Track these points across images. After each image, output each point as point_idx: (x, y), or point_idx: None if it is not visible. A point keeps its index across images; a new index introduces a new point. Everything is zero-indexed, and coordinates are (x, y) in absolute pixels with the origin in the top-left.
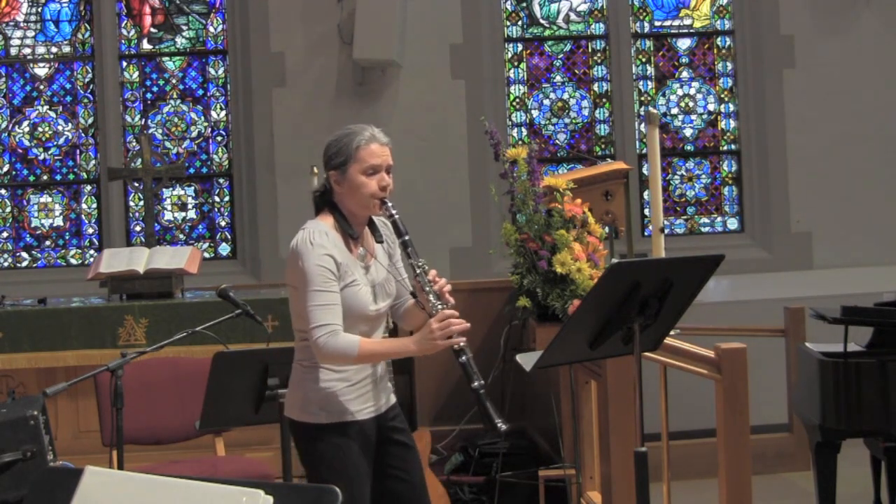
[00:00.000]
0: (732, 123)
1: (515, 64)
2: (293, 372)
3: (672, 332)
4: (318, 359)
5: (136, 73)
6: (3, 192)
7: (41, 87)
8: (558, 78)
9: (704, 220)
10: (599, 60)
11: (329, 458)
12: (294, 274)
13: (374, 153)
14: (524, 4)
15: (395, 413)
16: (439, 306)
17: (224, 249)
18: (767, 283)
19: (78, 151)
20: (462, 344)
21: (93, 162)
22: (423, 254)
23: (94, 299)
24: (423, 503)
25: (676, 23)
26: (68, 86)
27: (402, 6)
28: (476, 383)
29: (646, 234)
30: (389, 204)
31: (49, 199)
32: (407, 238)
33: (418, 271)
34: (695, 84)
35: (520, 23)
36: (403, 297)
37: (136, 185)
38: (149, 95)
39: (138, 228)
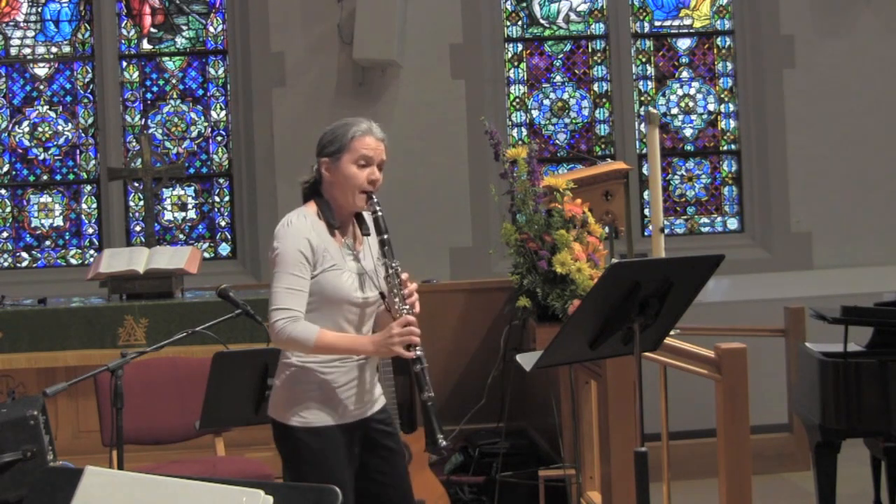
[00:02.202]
0: (732, 123)
1: (515, 64)
2: (279, 369)
3: (672, 332)
4: (273, 342)
5: (136, 73)
6: (3, 192)
7: (41, 87)
8: (558, 78)
9: (704, 220)
10: (599, 60)
11: (309, 462)
12: (271, 259)
13: (367, 145)
14: (524, 4)
15: (383, 416)
16: (405, 310)
17: (224, 249)
18: (767, 283)
19: (78, 151)
20: (419, 353)
21: (93, 162)
22: (423, 253)
23: (94, 299)
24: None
25: (676, 23)
26: (68, 86)
27: (402, 6)
28: (426, 395)
29: (646, 234)
30: (375, 199)
31: (49, 199)
32: (386, 237)
33: (390, 272)
34: (695, 84)
35: (520, 23)
36: None
37: (136, 185)
38: (149, 95)
39: (138, 228)
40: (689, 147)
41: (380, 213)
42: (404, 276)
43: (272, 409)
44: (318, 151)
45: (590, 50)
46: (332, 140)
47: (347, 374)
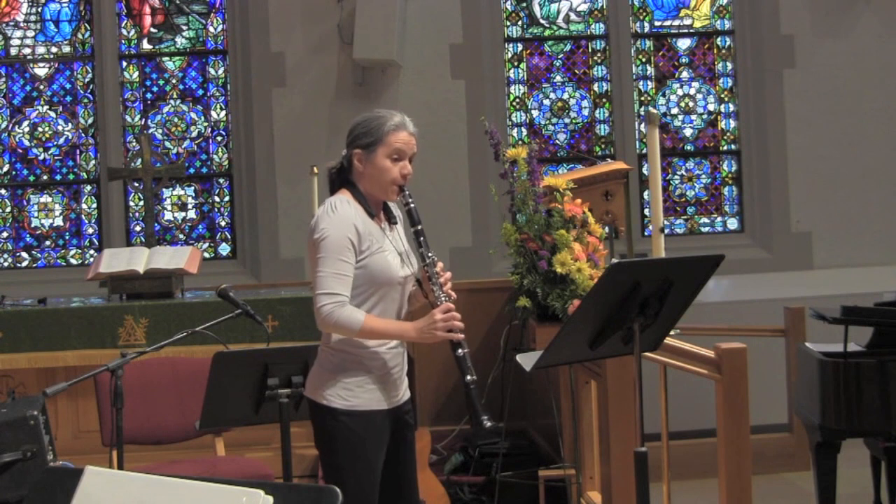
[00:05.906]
0: (732, 123)
1: (515, 64)
2: (321, 355)
3: (672, 332)
4: (318, 326)
5: (136, 73)
6: (3, 192)
7: (41, 87)
8: (558, 78)
9: (704, 220)
10: (599, 60)
11: (345, 444)
12: (313, 243)
13: (402, 139)
14: (524, 4)
15: (408, 407)
16: (443, 298)
17: (224, 249)
18: (767, 283)
19: (78, 151)
20: (461, 337)
21: (93, 162)
22: None
23: (94, 299)
24: (413, 497)
25: (676, 23)
26: (68, 86)
27: (402, 6)
28: (469, 377)
29: (646, 234)
30: (407, 192)
31: (49, 199)
32: (420, 227)
33: (427, 261)
34: (695, 84)
35: (520, 23)
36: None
37: (136, 185)
38: (149, 95)
39: (138, 228)
40: (689, 147)
41: (412, 206)
42: (439, 265)
43: (312, 392)
44: (349, 142)
45: (590, 50)
46: (367, 132)
47: (391, 361)
